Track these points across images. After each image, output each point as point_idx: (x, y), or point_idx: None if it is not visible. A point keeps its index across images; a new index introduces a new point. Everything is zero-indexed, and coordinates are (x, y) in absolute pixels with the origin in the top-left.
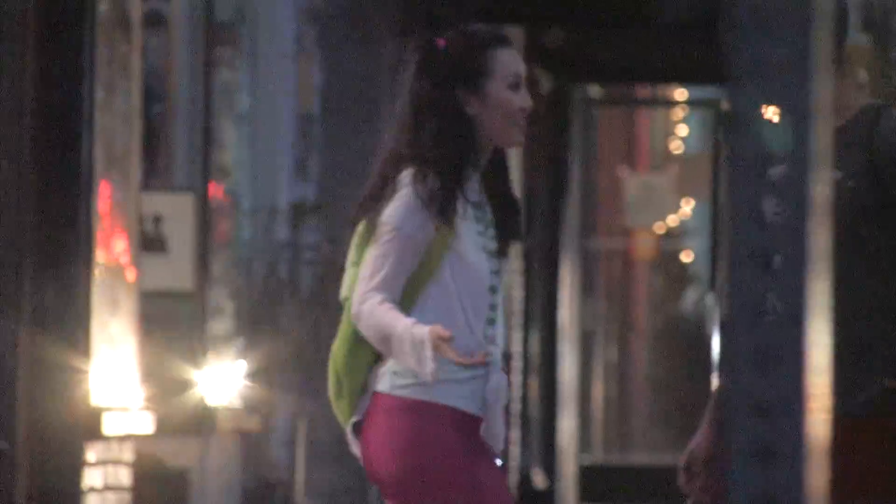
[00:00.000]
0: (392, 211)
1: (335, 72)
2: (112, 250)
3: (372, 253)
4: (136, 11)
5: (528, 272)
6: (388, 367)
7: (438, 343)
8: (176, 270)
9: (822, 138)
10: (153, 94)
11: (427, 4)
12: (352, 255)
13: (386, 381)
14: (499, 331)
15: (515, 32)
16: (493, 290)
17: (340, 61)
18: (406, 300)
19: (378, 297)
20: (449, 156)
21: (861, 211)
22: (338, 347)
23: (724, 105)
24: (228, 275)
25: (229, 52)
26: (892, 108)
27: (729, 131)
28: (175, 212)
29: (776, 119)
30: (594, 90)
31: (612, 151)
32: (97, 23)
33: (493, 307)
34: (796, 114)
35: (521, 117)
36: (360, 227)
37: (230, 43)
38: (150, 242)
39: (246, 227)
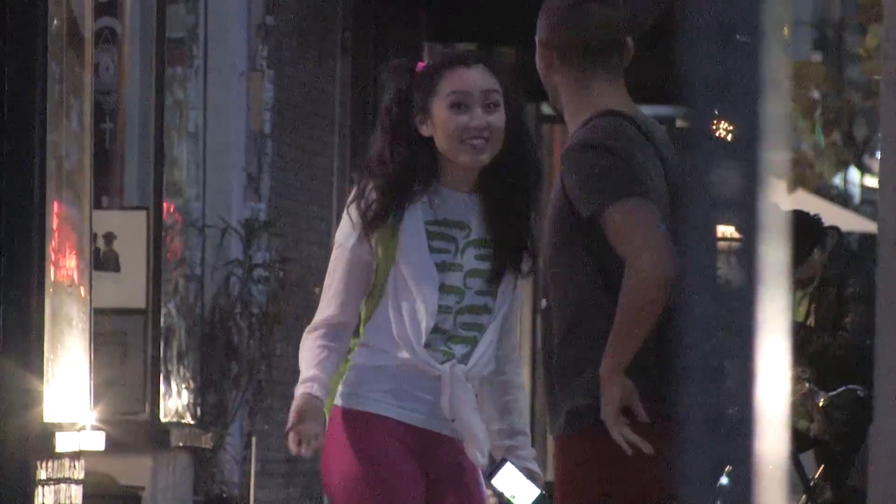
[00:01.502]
0: (339, 227)
1: (287, 89)
2: (64, 268)
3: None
4: (87, 28)
5: None
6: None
7: (294, 426)
8: (128, 288)
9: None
10: (105, 112)
11: (379, 23)
12: None
13: (337, 390)
14: (483, 352)
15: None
16: (473, 309)
17: (293, 78)
18: (366, 311)
19: (321, 329)
20: (389, 172)
21: (560, 230)
22: None
23: (679, 122)
24: (180, 292)
25: (181, 70)
26: (577, 144)
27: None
28: (128, 230)
29: (728, 136)
30: (545, 107)
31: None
32: (49, 40)
33: (467, 326)
34: (749, 131)
35: (468, 136)
36: None
37: (182, 61)
38: (102, 260)
39: (198, 245)
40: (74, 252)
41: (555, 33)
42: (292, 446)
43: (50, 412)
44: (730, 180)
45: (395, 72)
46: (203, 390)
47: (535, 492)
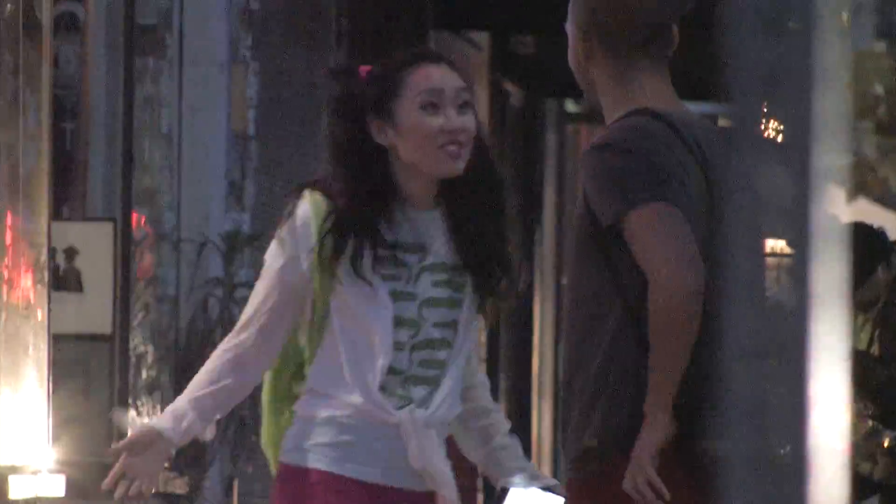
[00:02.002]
0: (270, 246)
1: (274, 83)
2: (19, 288)
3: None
4: (46, 14)
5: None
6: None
7: (122, 458)
8: (92, 310)
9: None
10: (65, 109)
11: (379, 8)
12: None
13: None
14: (447, 394)
15: (480, 39)
16: (431, 343)
17: (281, 71)
18: (309, 352)
19: (229, 354)
20: (343, 194)
21: (581, 244)
22: None
23: (722, 121)
24: (152, 315)
25: (153, 62)
26: (597, 145)
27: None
28: (91, 244)
29: (778, 137)
30: (570, 105)
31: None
32: (1, 27)
33: (425, 363)
34: (801, 131)
35: (442, 141)
36: None
37: (154, 51)
38: (62, 279)
39: (172, 262)
40: (30, 270)
41: (597, 17)
42: (108, 480)
43: (2, 453)
44: (780, 187)
45: (338, 77)
46: None
47: (559, 501)
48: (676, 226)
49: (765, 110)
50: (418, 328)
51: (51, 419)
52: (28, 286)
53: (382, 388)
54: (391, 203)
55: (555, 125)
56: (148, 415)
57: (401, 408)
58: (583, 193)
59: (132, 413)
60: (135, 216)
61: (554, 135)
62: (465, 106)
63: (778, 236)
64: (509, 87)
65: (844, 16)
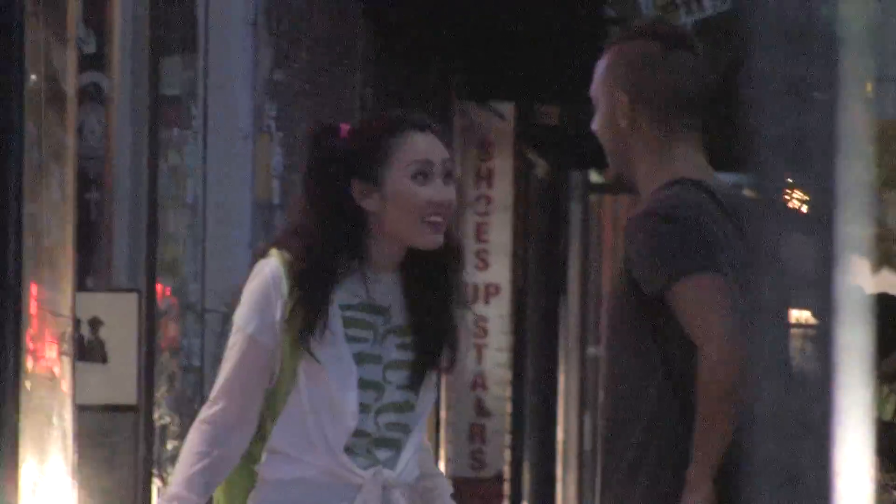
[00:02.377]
0: (239, 308)
1: (298, 153)
2: (43, 359)
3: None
4: (70, 85)
5: (518, 381)
6: None
7: None
8: (117, 381)
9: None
10: (89, 180)
11: (403, 78)
12: None
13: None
14: (410, 456)
15: (506, 109)
16: (395, 406)
17: (305, 141)
18: (271, 411)
19: (207, 426)
20: (317, 254)
21: (623, 315)
22: None
23: (747, 191)
24: (176, 386)
25: (177, 132)
26: (643, 214)
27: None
28: (116, 315)
29: (803, 207)
30: (594, 175)
31: (616, 245)
32: (25, 97)
33: (391, 426)
34: (826, 201)
35: (428, 212)
36: None
37: (178, 121)
38: (87, 350)
39: (197, 332)
40: (55, 340)
41: (645, 84)
42: None
43: None
44: (804, 257)
45: (321, 134)
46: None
47: None
48: (724, 296)
49: (789, 180)
50: (382, 391)
51: (76, 490)
52: (53, 357)
53: (348, 450)
54: (360, 264)
55: (579, 195)
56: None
57: (366, 468)
58: (624, 263)
59: (158, 483)
60: (159, 287)
61: (578, 205)
62: (448, 176)
63: (802, 306)
64: (534, 157)
65: (868, 85)
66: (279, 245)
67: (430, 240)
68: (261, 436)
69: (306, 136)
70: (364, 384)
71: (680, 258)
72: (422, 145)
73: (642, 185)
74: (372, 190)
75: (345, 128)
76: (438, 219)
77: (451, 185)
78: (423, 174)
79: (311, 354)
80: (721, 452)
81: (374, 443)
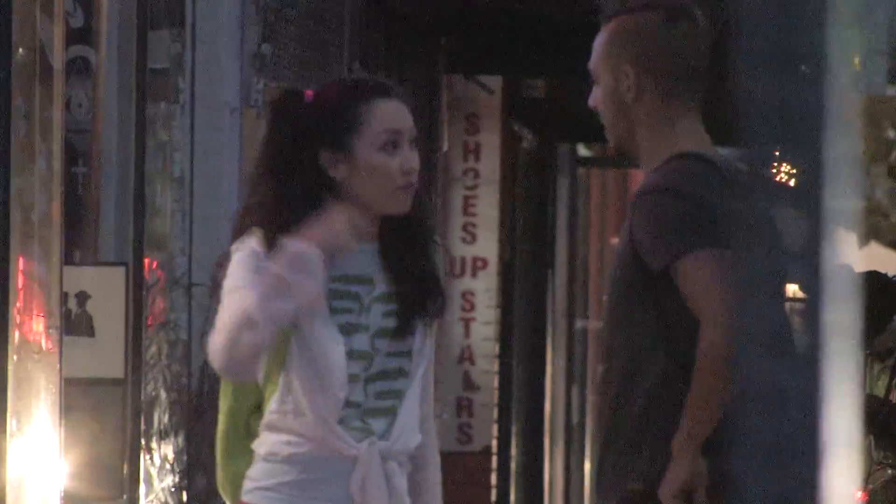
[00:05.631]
0: (230, 275)
1: None
2: (31, 333)
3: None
4: (58, 58)
5: (506, 356)
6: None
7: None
8: (104, 355)
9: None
10: (77, 154)
11: (391, 52)
12: None
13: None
14: (405, 423)
15: (493, 82)
16: (386, 374)
17: None
18: (266, 387)
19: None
20: (296, 223)
21: (626, 289)
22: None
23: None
24: (164, 359)
25: (165, 106)
26: (650, 189)
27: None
28: (103, 289)
29: (790, 181)
30: (582, 148)
31: (604, 219)
32: (13, 71)
33: (382, 395)
34: (813, 176)
35: (400, 181)
36: None
37: (165, 95)
38: (74, 323)
39: (184, 306)
40: (42, 314)
41: (652, 56)
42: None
43: (13, 497)
44: (792, 231)
45: (284, 102)
46: (190, 472)
47: None
48: (728, 272)
49: (777, 154)
50: (371, 360)
51: (63, 463)
52: (40, 330)
53: (341, 421)
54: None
55: (567, 169)
56: (162, 459)
57: (361, 441)
58: (627, 238)
59: (145, 458)
60: (147, 260)
61: (566, 178)
62: (414, 142)
63: (791, 280)
64: (521, 130)
65: (856, 60)
66: (252, 222)
67: (400, 206)
68: (258, 413)
69: (268, 104)
70: (353, 354)
71: (686, 234)
72: (390, 114)
73: (644, 159)
74: (341, 160)
75: (309, 94)
76: (407, 186)
77: (416, 150)
78: (392, 144)
79: (297, 328)
80: (712, 425)
81: (366, 413)
